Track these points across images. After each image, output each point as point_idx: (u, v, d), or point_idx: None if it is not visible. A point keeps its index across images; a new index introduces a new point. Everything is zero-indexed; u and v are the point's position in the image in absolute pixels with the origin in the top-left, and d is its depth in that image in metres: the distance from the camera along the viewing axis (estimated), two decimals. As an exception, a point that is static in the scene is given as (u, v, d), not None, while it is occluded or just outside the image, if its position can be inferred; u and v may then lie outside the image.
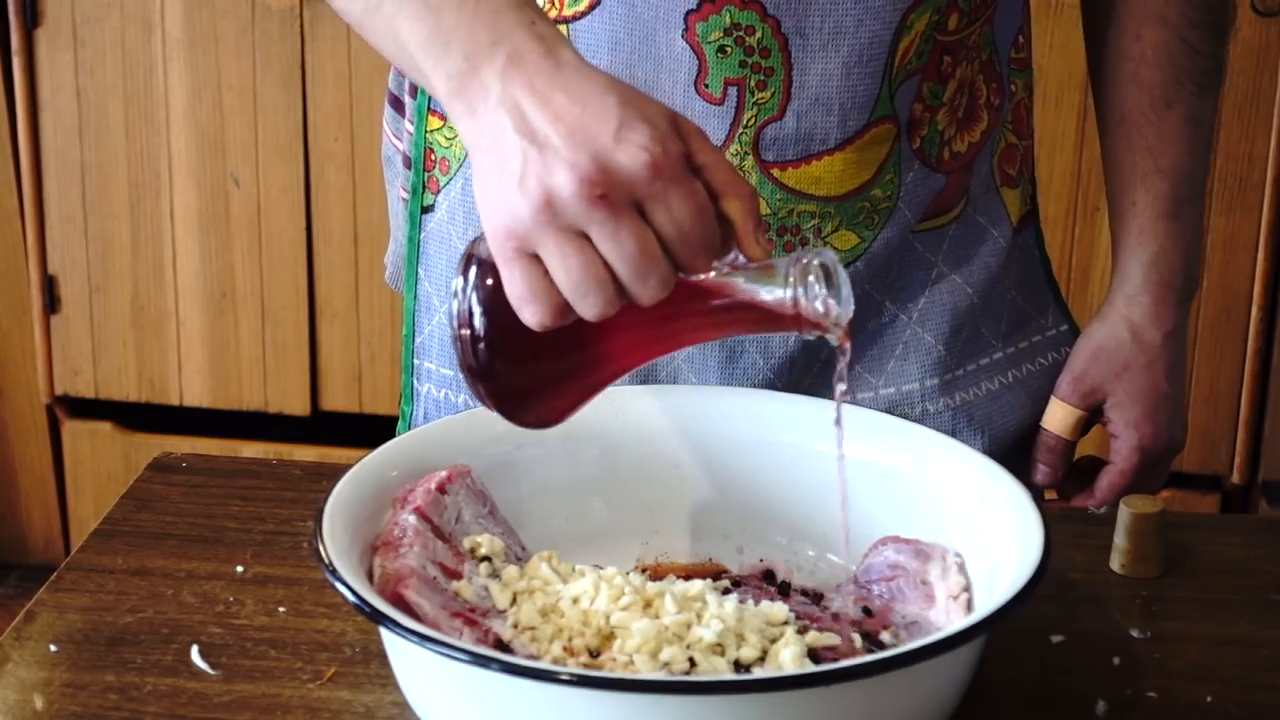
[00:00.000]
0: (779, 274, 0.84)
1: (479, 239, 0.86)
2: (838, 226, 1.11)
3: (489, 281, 0.84)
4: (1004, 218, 1.20)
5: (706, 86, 1.06)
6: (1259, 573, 1.04)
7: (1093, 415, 1.20)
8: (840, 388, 0.88)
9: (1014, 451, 1.20)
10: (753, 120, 1.07)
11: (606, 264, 0.81)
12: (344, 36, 2.44)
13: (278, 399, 2.63)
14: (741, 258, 0.84)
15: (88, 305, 2.62)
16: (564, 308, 0.82)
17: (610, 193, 0.79)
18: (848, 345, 0.86)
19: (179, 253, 2.57)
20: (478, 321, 0.85)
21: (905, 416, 1.13)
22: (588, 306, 0.82)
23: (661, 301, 0.82)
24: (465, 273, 0.86)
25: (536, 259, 0.82)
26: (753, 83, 1.06)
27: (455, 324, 0.86)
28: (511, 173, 0.81)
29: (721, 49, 1.05)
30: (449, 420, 1.02)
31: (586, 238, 0.81)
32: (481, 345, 0.85)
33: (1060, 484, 1.22)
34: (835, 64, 1.06)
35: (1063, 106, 2.31)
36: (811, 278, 0.83)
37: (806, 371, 1.15)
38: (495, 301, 0.84)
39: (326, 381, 2.62)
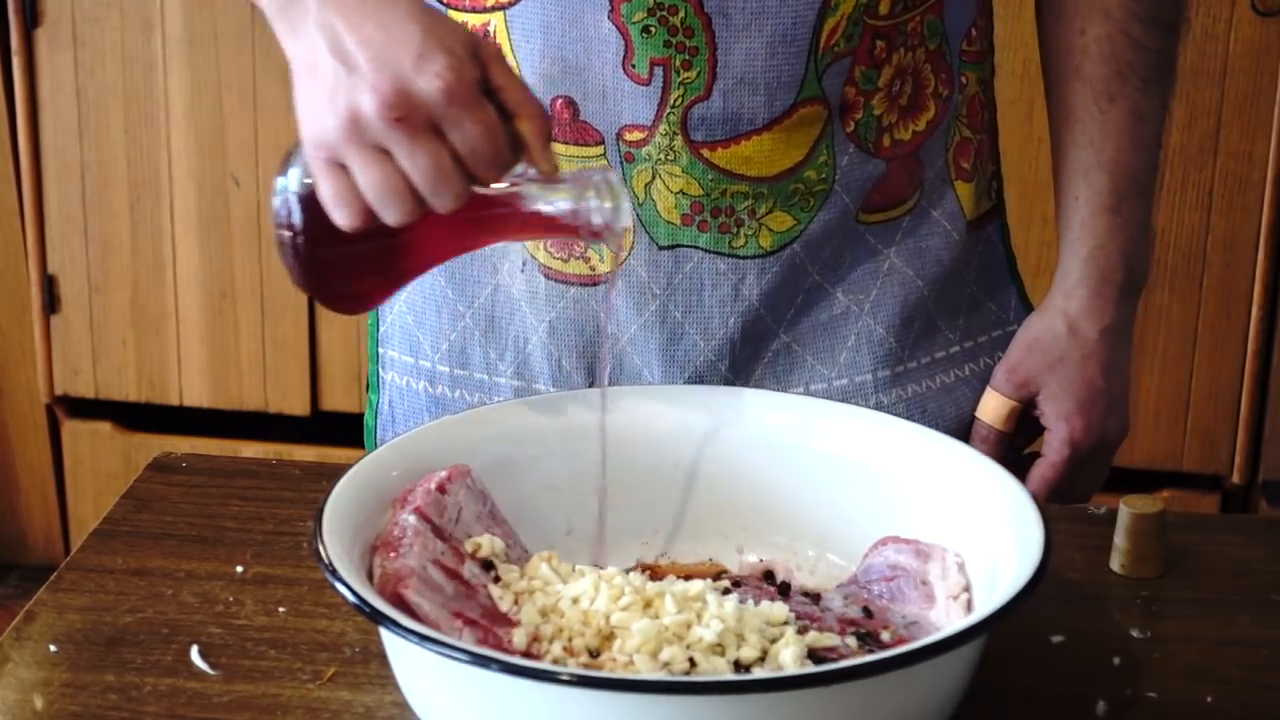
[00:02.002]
0: (565, 187, 0.93)
1: (298, 144, 0.94)
2: (772, 208, 1.12)
3: (306, 183, 0.93)
4: (958, 213, 1.20)
5: (633, 67, 1.08)
6: (1259, 573, 1.04)
7: (1029, 408, 1.20)
8: (612, 293, 1.11)
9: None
10: (680, 100, 1.08)
11: (406, 177, 0.89)
12: (344, 36, 2.44)
13: (277, 399, 2.63)
14: (532, 171, 0.93)
15: (88, 305, 2.61)
16: (369, 211, 0.90)
17: (408, 115, 0.88)
18: (622, 254, 1.06)
19: (179, 253, 2.57)
20: (296, 218, 0.93)
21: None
22: (389, 214, 0.90)
23: (462, 208, 0.91)
24: (285, 173, 0.95)
25: (345, 168, 0.90)
26: (678, 62, 1.08)
27: (275, 220, 0.94)
28: (324, 90, 0.90)
29: (646, 29, 1.07)
30: (449, 420, 1.02)
31: (389, 153, 0.89)
32: (301, 239, 0.94)
33: None
34: (759, 44, 1.07)
35: (1063, 106, 2.31)
36: (591, 191, 0.93)
37: (755, 359, 1.16)
38: (311, 201, 0.93)
39: (326, 381, 2.62)
